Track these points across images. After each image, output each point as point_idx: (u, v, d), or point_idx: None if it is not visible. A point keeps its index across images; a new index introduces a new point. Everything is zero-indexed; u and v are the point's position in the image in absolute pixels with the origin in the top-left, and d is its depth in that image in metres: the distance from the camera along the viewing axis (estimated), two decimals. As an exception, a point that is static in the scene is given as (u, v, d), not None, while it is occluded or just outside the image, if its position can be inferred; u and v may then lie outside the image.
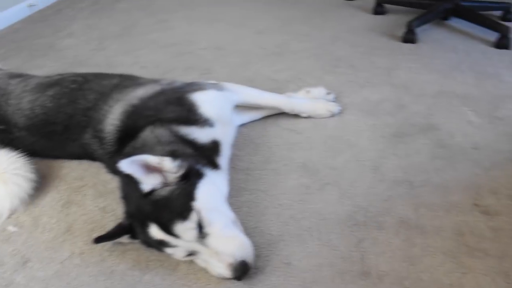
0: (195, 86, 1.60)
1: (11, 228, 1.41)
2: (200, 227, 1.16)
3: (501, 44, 2.51)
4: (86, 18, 3.41)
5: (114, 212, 1.44)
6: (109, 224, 1.38)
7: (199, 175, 1.26)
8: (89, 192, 1.54)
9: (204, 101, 1.52)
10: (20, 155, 1.54)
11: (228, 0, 3.45)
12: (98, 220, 1.42)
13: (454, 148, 1.64)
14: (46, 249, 1.34)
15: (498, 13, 2.95)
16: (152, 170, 1.19)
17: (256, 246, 1.24)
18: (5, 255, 1.34)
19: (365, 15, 3.05)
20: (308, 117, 1.81)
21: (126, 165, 1.14)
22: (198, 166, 1.28)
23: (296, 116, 1.83)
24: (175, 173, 1.21)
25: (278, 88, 2.05)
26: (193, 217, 1.15)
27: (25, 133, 1.60)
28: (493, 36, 2.50)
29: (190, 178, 1.23)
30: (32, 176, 1.51)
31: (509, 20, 2.88)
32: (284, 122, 1.81)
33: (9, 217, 1.46)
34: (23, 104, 1.61)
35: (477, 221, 1.34)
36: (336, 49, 2.48)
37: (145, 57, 2.59)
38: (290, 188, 1.47)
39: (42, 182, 1.58)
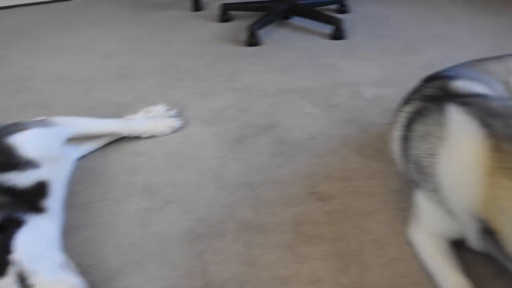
0: (16, 127, 1.49)
1: None
2: (22, 279, 1.06)
3: (336, 36, 2.67)
4: None
5: None
6: None
7: (17, 224, 1.16)
8: None
9: (25, 142, 1.41)
10: None
11: (74, 28, 3.29)
12: None
13: (292, 142, 1.69)
14: None
15: (334, 6, 3.14)
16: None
17: (93, 283, 1.17)
18: None
19: (212, 24, 3.09)
20: (151, 136, 1.76)
21: None
22: (17, 214, 1.18)
23: (138, 138, 1.77)
24: (-13, 227, 1.10)
25: (121, 112, 1.98)
26: (11, 271, 1.06)
27: None
28: (329, 29, 2.65)
29: (7, 229, 1.12)
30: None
31: (344, 12, 3.08)
32: (126, 147, 1.75)
33: None
34: None
35: (313, 209, 1.38)
36: (181, 63, 2.47)
37: (-23, 100, 2.38)
38: (131, 214, 1.42)
39: None
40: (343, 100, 1.97)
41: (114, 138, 1.77)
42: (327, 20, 2.75)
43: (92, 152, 1.75)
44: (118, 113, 1.96)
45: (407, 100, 1.39)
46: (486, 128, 1.02)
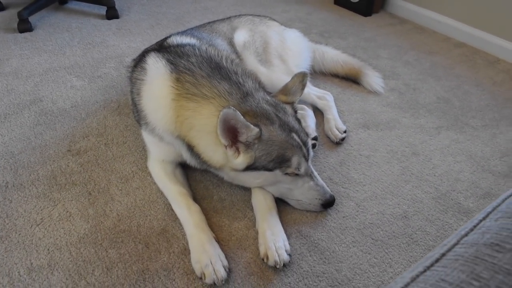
0: None
1: None
2: None
3: (110, 15, 2.82)
4: None
5: None
6: None
7: None
8: None
9: None
10: None
11: None
12: None
13: (55, 112, 1.82)
14: None
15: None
16: None
17: None
18: None
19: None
20: None
21: None
22: None
23: None
24: None
25: None
26: None
27: None
28: (104, 10, 2.79)
29: None
30: None
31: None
32: None
33: None
34: None
35: (68, 163, 1.55)
36: None
37: None
38: None
39: None
40: (109, 71, 2.15)
41: None
42: (99, 1, 2.88)
43: None
44: None
45: (135, 57, 1.63)
46: (171, 66, 1.29)
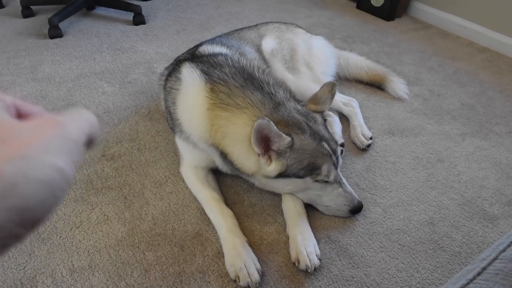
0: None
1: None
2: None
3: (137, 21, 2.89)
4: None
5: None
6: None
7: None
8: None
9: None
10: None
11: None
12: None
13: (88, 117, 1.88)
14: None
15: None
16: None
17: None
18: None
19: (14, 20, 3.08)
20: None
21: None
22: None
23: None
24: None
25: None
26: None
27: None
28: (131, 16, 2.86)
29: None
30: None
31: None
32: None
33: None
34: None
35: (104, 167, 1.61)
36: (-19, 61, 2.48)
37: None
38: None
39: None
40: (138, 76, 2.22)
41: None
42: (127, 7, 2.95)
43: None
44: None
45: (167, 66, 1.69)
46: (205, 76, 1.35)
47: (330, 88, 1.38)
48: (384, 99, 2.06)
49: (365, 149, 1.69)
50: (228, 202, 1.45)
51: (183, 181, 1.53)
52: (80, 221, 1.39)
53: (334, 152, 1.28)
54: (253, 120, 1.22)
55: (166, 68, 1.66)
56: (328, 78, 1.92)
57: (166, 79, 1.54)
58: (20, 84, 2.18)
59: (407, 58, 2.49)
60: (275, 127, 1.16)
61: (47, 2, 3.12)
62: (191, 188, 1.47)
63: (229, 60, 1.43)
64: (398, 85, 2.05)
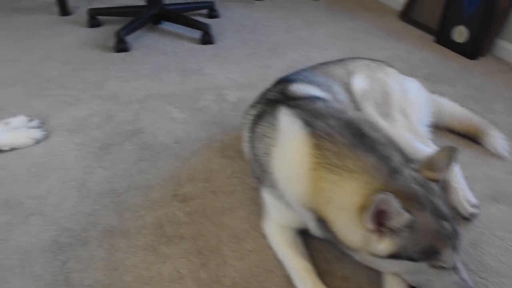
0: None
1: None
2: None
3: (204, 41, 2.76)
4: None
5: None
6: None
7: None
8: None
9: None
10: None
11: None
12: None
13: (157, 147, 1.75)
14: None
15: (204, 11, 3.22)
16: None
17: None
18: None
19: (80, 29, 3.02)
20: (12, 149, 1.71)
21: None
22: None
23: (-1, 151, 1.71)
24: None
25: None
26: None
27: None
28: (198, 34, 2.73)
29: None
30: None
31: (214, 17, 3.18)
32: (-18, 161, 1.68)
33: None
34: None
35: (175, 210, 1.46)
36: (46, 71, 2.40)
37: None
38: (-10, 231, 1.38)
39: None
40: (209, 104, 2.07)
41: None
42: (195, 25, 2.83)
43: None
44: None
45: (253, 103, 1.52)
46: (309, 128, 1.17)
47: (449, 154, 1.19)
48: (480, 155, 1.84)
49: (468, 218, 1.47)
50: (317, 271, 1.26)
51: (265, 237, 1.35)
52: (150, 276, 1.24)
53: (457, 234, 1.08)
54: (365, 188, 1.05)
55: (252, 106, 1.50)
56: (424, 127, 1.71)
57: (255, 122, 1.37)
58: (85, 101, 2.08)
59: (498, 106, 2.26)
60: (397, 204, 0.97)
61: (115, 13, 3.04)
62: (276, 250, 1.29)
63: (331, 109, 1.25)
64: (497, 140, 1.82)
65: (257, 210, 1.45)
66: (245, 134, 1.46)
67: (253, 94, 1.90)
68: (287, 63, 2.50)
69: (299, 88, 1.45)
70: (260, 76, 2.33)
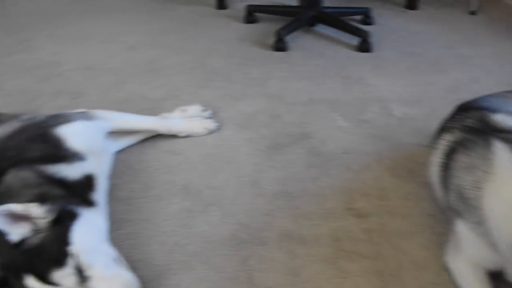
0: (60, 119, 1.51)
1: None
2: (79, 271, 1.10)
3: (363, 48, 2.70)
4: None
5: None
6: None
7: (72, 217, 1.19)
8: None
9: (71, 134, 1.44)
10: None
11: (97, 16, 3.28)
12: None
13: (326, 155, 1.72)
14: None
15: (358, 17, 3.16)
16: (20, 218, 1.10)
17: (143, 279, 1.20)
18: None
19: (237, 24, 3.10)
20: (187, 136, 1.79)
21: None
22: (71, 207, 1.21)
23: (174, 136, 1.80)
24: (45, 218, 1.13)
25: (153, 108, 2.01)
26: (71, 262, 1.10)
27: None
28: (355, 40, 2.68)
29: (63, 221, 1.15)
30: None
31: (369, 24, 3.11)
32: (162, 144, 1.78)
33: None
34: None
35: (351, 225, 1.42)
36: (211, 62, 2.49)
37: (9, 82, 2.38)
38: (173, 214, 1.45)
39: None
40: (374, 116, 2.00)
41: (150, 134, 1.80)
42: (354, 31, 2.78)
43: (129, 147, 1.77)
44: (151, 109, 1.99)
45: (445, 128, 1.43)
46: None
47: None
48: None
49: None
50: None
51: (446, 270, 1.26)
52: (331, 290, 1.20)
53: None
54: None
55: (444, 130, 1.41)
56: None
57: (453, 149, 1.28)
58: (250, 97, 2.10)
59: None
60: None
61: (273, 12, 3.07)
62: (465, 289, 1.19)
63: None
64: None
65: (437, 239, 1.37)
66: (436, 159, 1.37)
67: (419, 112, 1.80)
68: (451, 82, 2.36)
69: (503, 119, 1.33)
70: (424, 93, 2.22)
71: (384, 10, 3.35)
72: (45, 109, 2.03)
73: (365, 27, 2.93)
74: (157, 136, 1.82)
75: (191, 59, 2.56)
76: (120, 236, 1.37)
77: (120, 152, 1.74)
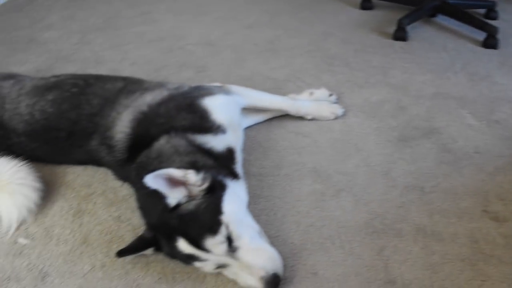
0: (203, 91, 1.57)
1: (22, 241, 1.37)
2: (229, 240, 1.15)
3: (489, 44, 2.56)
4: (63, 9, 3.27)
5: (130, 221, 1.41)
6: (127, 234, 1.36)
7: (223, 187, 1.24)
8: (99, 200, 1.50)
9: (216, 107, 1.50)
10: (22, 162, 1.48)
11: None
12: (115, 231, 1.39)
13: (458, 152, 1.68)
14: (65, 262, 1.31)
15: (482, 11, 3.00)
16: (176, 183, 1.17)
17: (281, 256, 1.24)
18: (21, 270, 1.30)
19: (353, 10, 3.06)
20: (313, 119, 1.80)
21: (151, 180, 1.11)
22: (220, 177, 1.27)
23: (300, 118, 1.82)
24: (200, 186, 1.19)
25: (277, 88, 2.04)
26: (223, 231, 1.15)
27: (25, 139, 1.54)
28: (479, 34, 2.55)
29: (215, 191, 1.21)
30: (37, 185, 1.46)
31: (492, 18, 2.94)
32: (289, 125, 1.81)
33: (18, 228, 1.41)
34: (21, 109, 1.55)
35: (488, 228, 1.38)
36: (329, 46, 2.49)
37: (133, 52, 2.52)
38: (305, 195, 1.48)
39: (48, 190, 1.53)
40: (506, 117, 1.91)
41: (278, 114, 1.83)
42: (481, 25, 2.64)
43: (256, 124, 1.81)
44: (275, 89, 2.02)
45: None
46: None
47: None
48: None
49: None
50: None
51: None
52: (472, 292, 1.17)
53: None
54: None
55: None
56: None
57: None
58: (374, 86, 2.08)
59: None
60: None
61: (396, 0, 2.98)
62: None
63: None
64: None
65: None
66: None
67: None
68: None
69: None
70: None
71: (508, 5, 3.15)
72: (172, 79, 2.13)
73: (490, 22, 2.77)
74: (282, 116, 1.85)
75: (307, 42, 2.56)
76: (255, 210, 1.42)
77: (249, 128, 1.78)
